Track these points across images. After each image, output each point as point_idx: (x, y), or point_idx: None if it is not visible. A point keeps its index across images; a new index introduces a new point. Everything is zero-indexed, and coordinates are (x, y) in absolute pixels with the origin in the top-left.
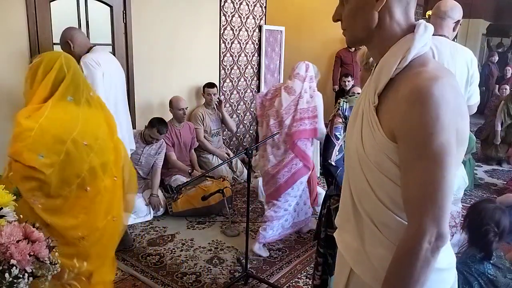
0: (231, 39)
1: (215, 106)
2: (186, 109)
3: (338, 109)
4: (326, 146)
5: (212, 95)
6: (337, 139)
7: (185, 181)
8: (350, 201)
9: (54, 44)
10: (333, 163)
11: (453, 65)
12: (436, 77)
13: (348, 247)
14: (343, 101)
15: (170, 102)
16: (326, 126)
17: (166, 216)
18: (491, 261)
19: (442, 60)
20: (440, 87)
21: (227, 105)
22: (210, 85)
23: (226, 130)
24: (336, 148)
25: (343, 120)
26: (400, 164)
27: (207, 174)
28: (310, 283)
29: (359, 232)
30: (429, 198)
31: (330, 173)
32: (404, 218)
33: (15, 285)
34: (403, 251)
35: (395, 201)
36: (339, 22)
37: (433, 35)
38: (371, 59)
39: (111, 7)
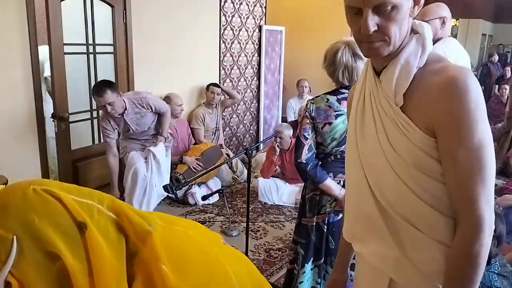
0: (231, 39)
1: (216, 105)
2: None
3: (306, 111)
4: (297, 147)
5: (216, 94)
6: (306, 139)
7: None
8: (376, 210)
9: (65, 44)
10: (304, 161)
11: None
12: (465, 68)
13: (385, 258)
14: (310, 102)
15: (167, 98)
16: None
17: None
18: (496, 271)
19: None
20: (473, 77)
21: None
22: (216, 85)
23: (227, 129)
24: (306, 147)
25: (311, 121)
26: (443, 156)
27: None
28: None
29: (396, 239)
30: (481, 183)
31: (302, 170)
32: (450, 215)
33: None
34: (468, 242)
35: (439, 199)
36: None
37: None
38: None
39: (112, 7)
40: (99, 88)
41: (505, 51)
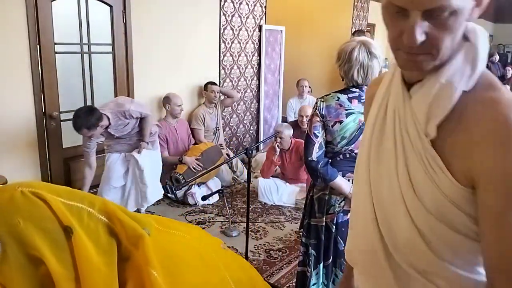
0: (231, 39)
1: (216, 104)
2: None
3: (316, 109)
4: (307, 145)
5: (216, 92)
6: (316, 137)
7: None
8: (381, 248)
9: (56, 43)
10: (314, 159)
11: None
12: None
13: None
14: (320, 100)
15: (167, 98)
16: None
17: (165, 214)
18: None
19: None
20: None
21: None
22: (214, 83)
23: (227, 129)
24: (316, 145)
25: (321, 119)
26: (483, 215)
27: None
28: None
29: (400, 286)
30: None
31: (313, 168)
32: (471, 271)
33: None
34: None
35: (459, 255)
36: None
37: None
38: None
39: (111, 7)
40: (75, 124)
41: (505, 51)
